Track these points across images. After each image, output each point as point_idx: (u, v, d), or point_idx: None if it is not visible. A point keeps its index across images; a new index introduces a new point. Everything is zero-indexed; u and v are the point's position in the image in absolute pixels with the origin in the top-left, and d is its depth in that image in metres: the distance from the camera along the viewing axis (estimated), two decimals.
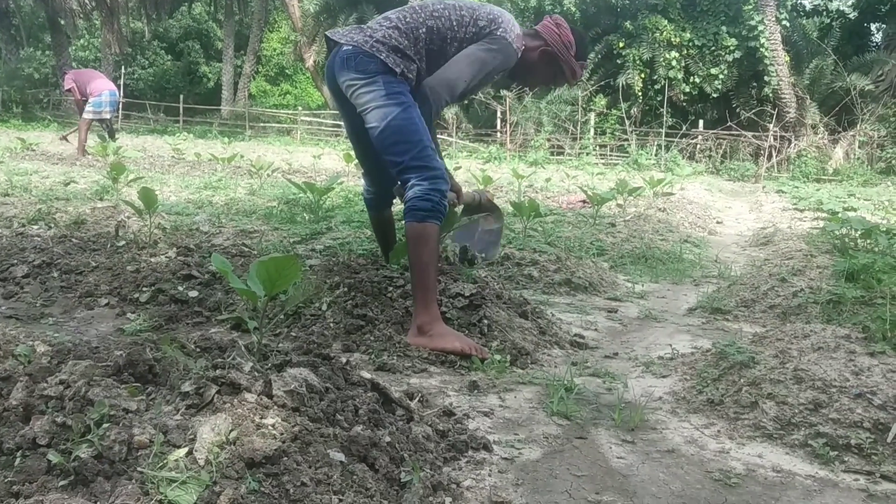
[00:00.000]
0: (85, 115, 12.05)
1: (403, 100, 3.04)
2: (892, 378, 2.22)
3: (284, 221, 5.80)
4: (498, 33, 3.09)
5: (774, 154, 21.90)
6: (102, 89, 12.07)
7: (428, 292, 2.91)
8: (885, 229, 4.73)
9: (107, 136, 12.67)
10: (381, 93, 3.04)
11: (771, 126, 21.91)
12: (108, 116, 12.50)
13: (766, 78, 22.32)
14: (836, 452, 2.07)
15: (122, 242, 4.15)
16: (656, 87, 24.04)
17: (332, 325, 2.97)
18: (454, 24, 3.09)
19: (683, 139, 23.05)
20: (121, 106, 28.97)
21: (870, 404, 2.15)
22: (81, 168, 9.57)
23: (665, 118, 23.64)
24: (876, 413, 2.12)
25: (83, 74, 12.49)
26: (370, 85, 3.05)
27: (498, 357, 2.79)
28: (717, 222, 8.79)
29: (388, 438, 1.77)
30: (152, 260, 3.78)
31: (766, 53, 22.07)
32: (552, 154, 22.69)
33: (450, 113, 24.49)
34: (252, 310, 2.87)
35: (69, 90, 12.30)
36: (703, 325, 3.64)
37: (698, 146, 22.89)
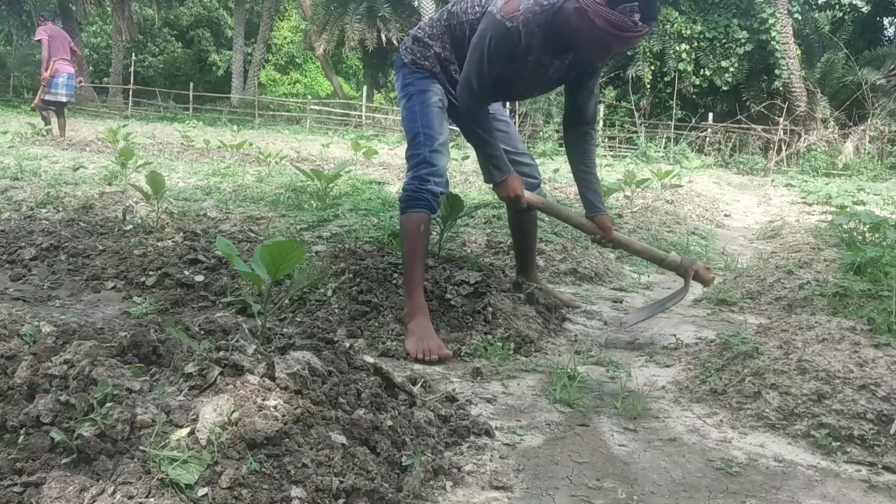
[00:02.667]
0: (43, 97, 11.88)
1: (410, 90, 3.11)
2: None
3: (292, 208, 5.81)
4: (489, 9, 2.86)
5: (784, 148, 21.78)
6: (61, 71, 11.78)
7: (408, 283, 2.91)
8: (893, 223, 4.70)
9: (50, 121, 12.26)
10: (399, 88, 3.18)
11: (781, 120, 21.77)
12: (64, 100, 12.12)
13: (776, 71, 22.15)
14: (838, 443, 2.07)
15: (130, 227, 4.16)
16: (666, 79, 23.90)
17: (336, 310, 2.98)
18: (467, 5, 3.03)
19: (693, 132, 22.93)
20: (131, 93, 29.07)
21: (873, 396, 2.14)
22: (91, 154, 9.59)
23: (674, 111, 23.53)
24: (879, 404, 2.11)
25: (57, 39, 11.88)
26: (397, 82, 3.23)
27: (500, 344, 2.79)
28: (725, 215, 8.75)
29: (389, 422, 1.78)
30: (159, 244, 3.79)
31: (777, 47, 21.90)
32: (561, 146, 22.53)
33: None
34: (257, 294, 2.88)
35: (39, 41, 11.67)
36: (709, 316, 3.64)
37: (707, 139, 22.77)
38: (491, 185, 3.21)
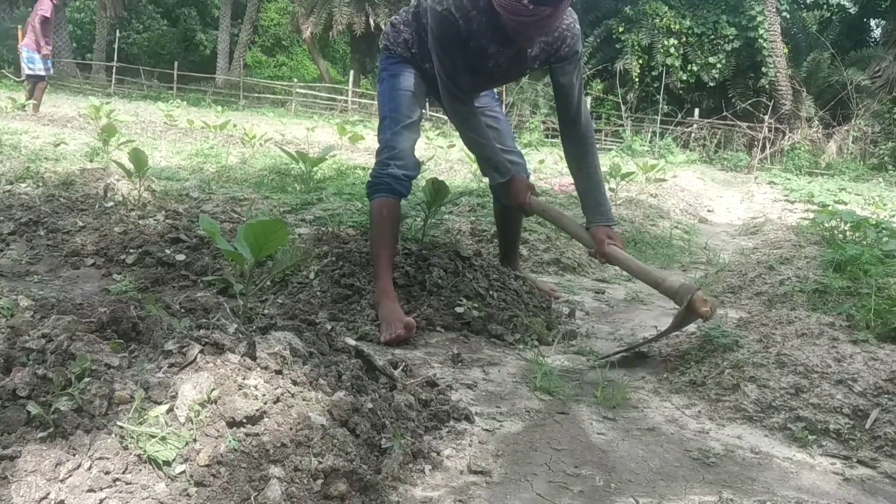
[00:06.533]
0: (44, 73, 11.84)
1: (383, 75, 3.15)
2: (873, 366, 2.23)
3: (275, 191, 5.77)
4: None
5: (768, 145, 21.93)
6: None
7: (374, 268, 2.92)
8: (874, 223, 4.74)
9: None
10: (378, 73, 3.21)
11: (766, 117, 21.91)
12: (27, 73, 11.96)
13: (763, 69, 22.29)
14: (814, 436, 2.08)
15: (111, 204, 4.12)
16: (654, 73, 23.99)
17: (318, 293, 2.97)
18: None
19: (678, 127, 23.03)
20: (114, 70, 28.72)
21: (850, 391, 2.16)
22: (72, 130, 9.49)
23: (661, 105, 23.61)
24: (856, 399, 2.13)
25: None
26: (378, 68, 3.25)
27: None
28: (709, 210, 8.81)
29: (370, 405, 1.77)
30: (140, 222, 3.76)
31: (764, 44, 22.03)
32: (547, 137, 22.61)
33: None
34: (239, 274, 2.87)
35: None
36: None
37: (693, 135, 22.88)
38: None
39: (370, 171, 3.03)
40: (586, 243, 2.94)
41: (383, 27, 26.57)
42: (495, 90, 3.57)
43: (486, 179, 3.47)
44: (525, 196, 3.01)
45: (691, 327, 3.11)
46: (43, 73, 11.82)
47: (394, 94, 3.05)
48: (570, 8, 2.74)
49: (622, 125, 23.54)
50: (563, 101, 2.97)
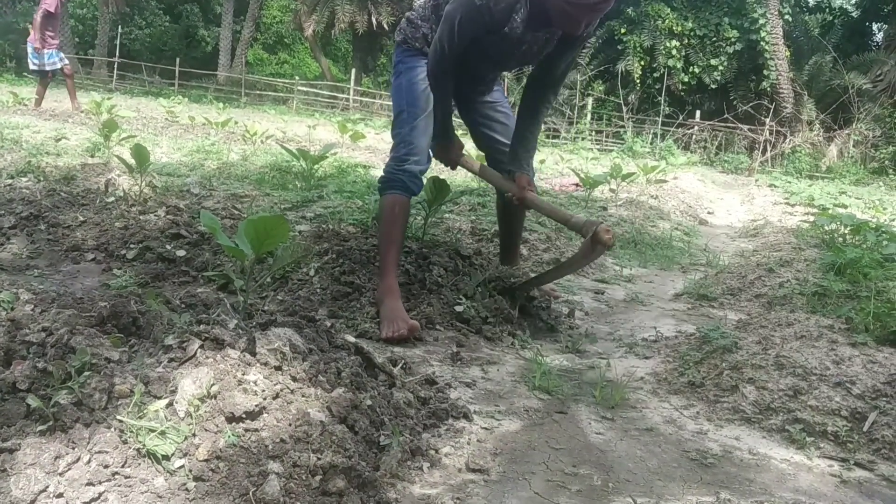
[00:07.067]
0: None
1: (400, 68, 3.12)
2: (871, 369, 2.24)
3: (276, 188, 5.77)
4: None
5: (769, 148, 21.93)
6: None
7: (382, 264, 2.91)
8: (874, 226, 4.74)
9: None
10: (393, 66, 3.21)
11: (767, 120, 21.91)
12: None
13: (765, 72, 22.29)
14: (812, 438, 2.09)
15: (112, 199, 4.12)
16: (655, 75, 23.98)
17: (318, 290, 2.97)
18: None
19: (679, 129, 23.03)
20: (116, 66, 28.72)
21: (848, 393, 2.16)
22: (73, 125, 9.48)
23: (662, 107, 23.61)
24: (854, 402, 2.14)
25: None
26: (393, 61, 3.24)
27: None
28: (709, 212, 8.81)
29: (369, 402, 1.77)
30: (141, 218, 3.76)
31: (766, 47, 22.02)
32: (547, 137, 22.62)
33: None
34: (239, 270, 2.87)
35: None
36: (689, 311, 3.66)
37: (694, 136, 22.89)
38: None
39: (381, 166, 3.01)
40: (507, 188, 3.11)
41: (385, 26, 26.38)
42: (502, 87, 3.57)
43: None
44: (458, 153, 3.20)
45: (690, 328, 3.12)
46: (47, 68, 11.80)
47: (411, 87, 3.04)
48: None
49: (623, 126, 23.54)
50: (553, 68, 3.06)
